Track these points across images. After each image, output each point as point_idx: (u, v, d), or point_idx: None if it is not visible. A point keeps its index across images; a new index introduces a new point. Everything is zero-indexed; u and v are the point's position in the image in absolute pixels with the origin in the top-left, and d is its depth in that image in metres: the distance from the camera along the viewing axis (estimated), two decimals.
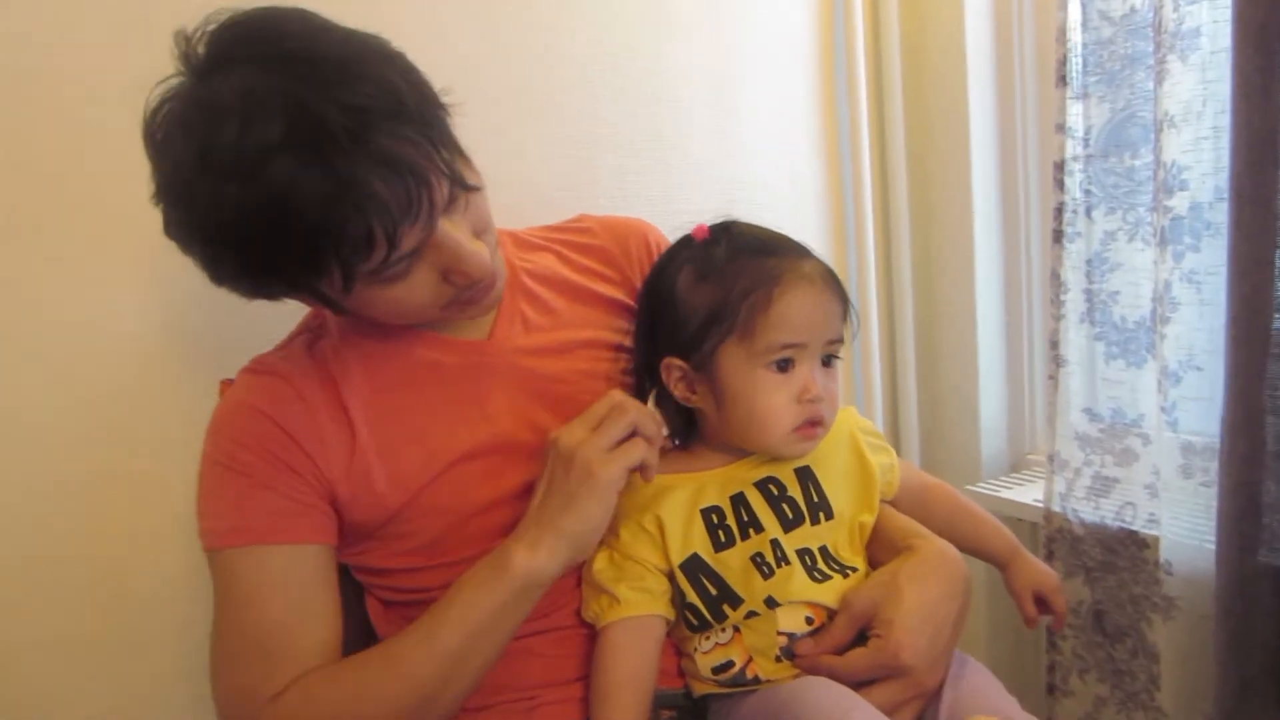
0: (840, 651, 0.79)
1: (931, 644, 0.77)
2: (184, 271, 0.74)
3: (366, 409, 0.81)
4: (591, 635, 0.82)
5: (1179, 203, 1.15)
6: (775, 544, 0.81)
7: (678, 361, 0.83)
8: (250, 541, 0.77)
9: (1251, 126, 1.00)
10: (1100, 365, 1.32)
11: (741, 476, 0.84)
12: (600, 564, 0.82)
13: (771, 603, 0.79)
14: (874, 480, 0.86)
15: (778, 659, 0.79)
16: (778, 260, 0.81)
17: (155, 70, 0.70)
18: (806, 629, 0.80)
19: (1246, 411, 1.05)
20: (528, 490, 0.80)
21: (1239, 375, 1.05)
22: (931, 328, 1.62)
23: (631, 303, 0.93)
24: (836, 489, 0.85)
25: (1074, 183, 1.29)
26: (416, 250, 0.71)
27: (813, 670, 0.78)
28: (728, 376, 0.81)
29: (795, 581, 0.80)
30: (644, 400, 0.87)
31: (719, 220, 0.86)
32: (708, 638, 0.82)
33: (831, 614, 0.80)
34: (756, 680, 0.80)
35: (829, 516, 0.83)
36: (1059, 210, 1.30)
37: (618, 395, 0.79)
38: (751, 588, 0.80)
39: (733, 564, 0.81)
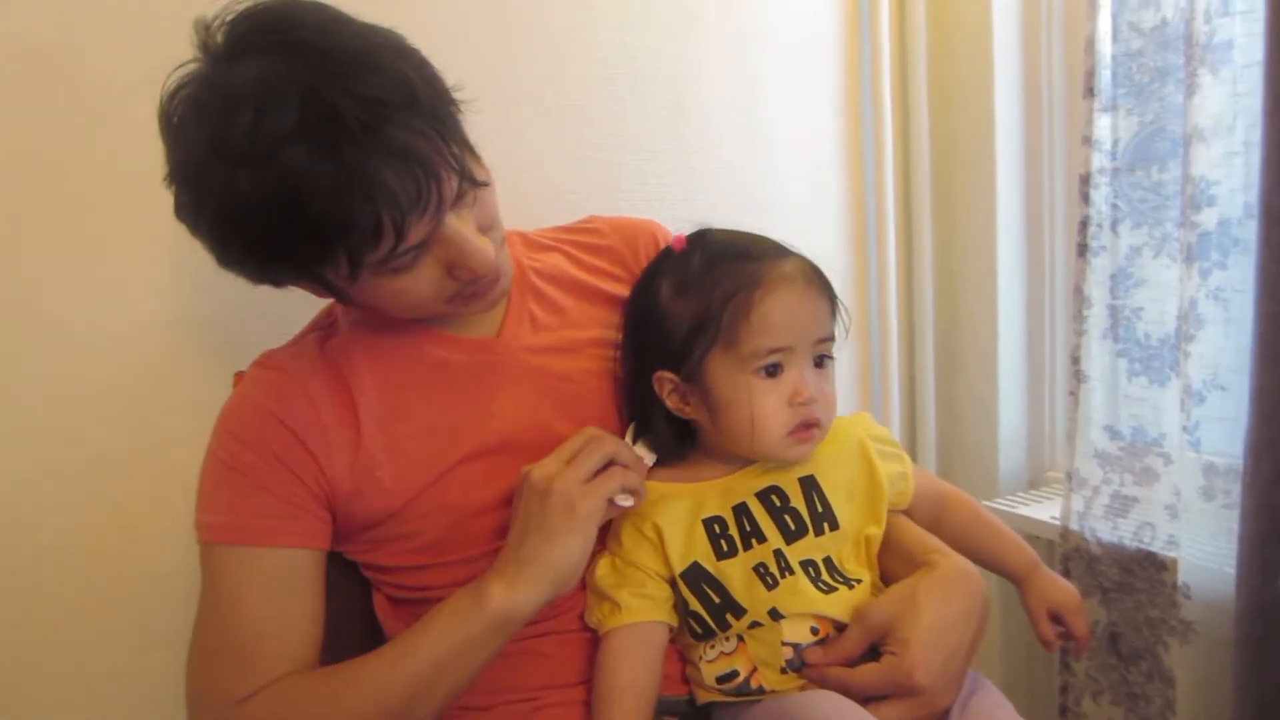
0: (850, 664, 0.78)
1: (946, 665, 0.76)
2: (199, 262, 0.75)
3: (374, 406, 0.82)
4: (596, 639, 0.82)
5: (1207, 218, 1.13)
6: (778, 554, 0.80)
7: (669, 374, 0.82)
8: (241, 541, 0.78)
9: None
10: (1123, 382, 1.30)
11: (743, 486, 0.83)
12: (602, 570, 0.82)
13: (776, 614, 0.78)
14: (882, 491, 0.85)
15: (783, 670, 0.78)
16: (756, 264, 0.80)
17: (176, 60, 0.71)
18: (812, 640, 0.79)
19: (1271, 433, 1.04)
20: None
21: (1265, 396, 1.04)
22: (952, 339, 1.60)
23: None
24: (841, 499, 0.83)
25: (1100, 196, 1.27)
26: (423, 243, 0.72)
27: (821, 681, 0.77)
28: (717, 385, 0.80)
29: (801, 593, 0.79)
30: (628, 421, 0.87)
31: (695, 229, 0.86)
32: (712, 646, 0.81)
33: (838, 626, 0.79)
34: (761, 690, 0.79)
35: (833, 527, 0.82)
36: (1084, 224, 1.28)
37: (592, 429, 0.79)
38: (755, 598, 0.79)
39: (735, 574, 0.80)
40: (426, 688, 0.75)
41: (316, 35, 0.68)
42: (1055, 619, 0.87)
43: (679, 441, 0.86)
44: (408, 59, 0.71)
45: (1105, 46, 1.25)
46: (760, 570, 0.80)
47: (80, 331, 0.96)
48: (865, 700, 0.74)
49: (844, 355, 1.52)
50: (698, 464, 0.86)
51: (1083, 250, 1.29)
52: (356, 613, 0.89)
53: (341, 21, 0.71)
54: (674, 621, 0.82)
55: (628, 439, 0.85)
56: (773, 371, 0.79)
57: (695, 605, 0.80)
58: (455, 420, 0.83)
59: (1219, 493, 1.17)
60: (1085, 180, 1.27)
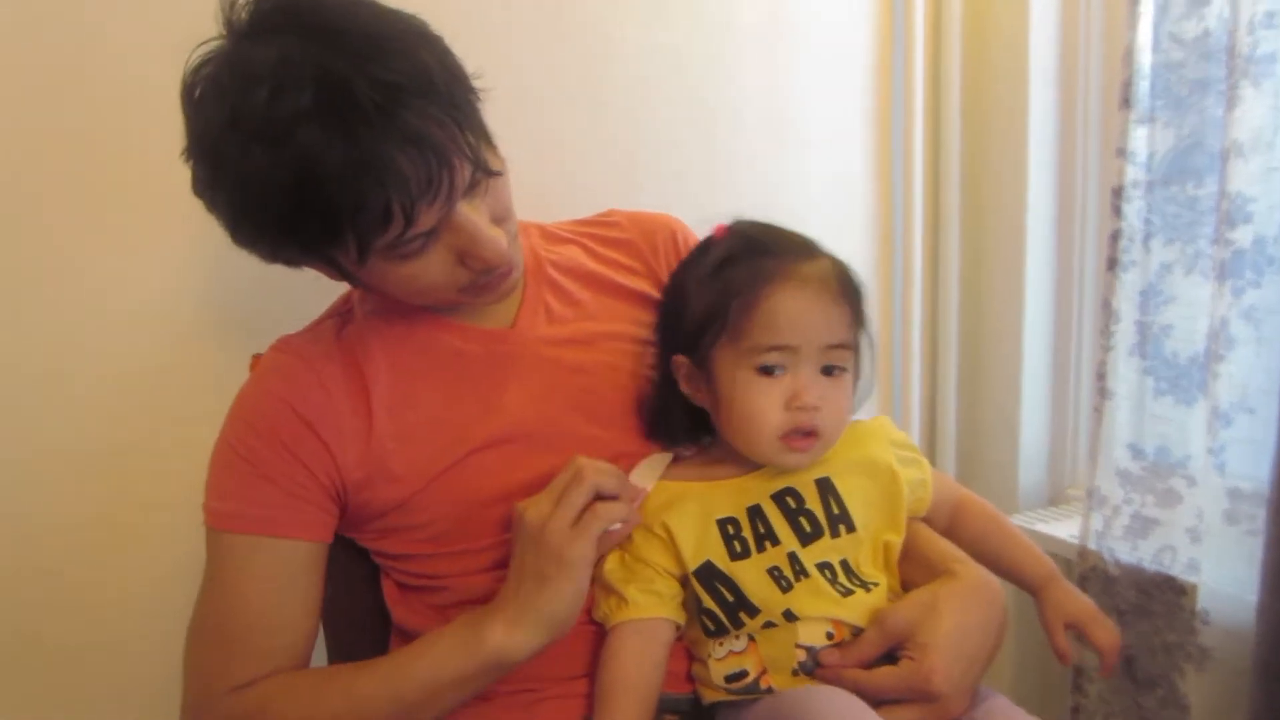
0: (866, 666, 0.77)
1: (964, 673, 0.76)
2: (219, 245, 0.75)
3: (388, 394, 0.82)
4: (601, 633, 0.82)
5: (1242, 235, 1.11)
6: (793, 557, 0.79)
7: (684, 359, 0.83)
8: (244, 529, 0.78)
9: None
10: (1148, 401, 1.28)
11: (757, 488, 0.82)
12: (611, 564, 0.82)
13: (791, 616, 0.78)
14: (901, 498, 0.84)
15: (795, 673, 0.77)
16: (775, 260, 0.79)
17: (202, 36, 0.71)
18: (827, 643, 0.78)
19: None
20: (544, 482, 0.79)
21: None
22: (976, 350, 1.58)
23: (657, 296, 0.93)
24: (858, 502, 0.82)
25: (1133, 210, 1.25)
26: (434, 230, 0.72)
27: (836, 681, 0.76)
28: (720, 376, 0.80)
29: (818, 596, 0.78)
30: (656, 401, 0.87)
31: (737, 220, 0.85)
32: (721, 644, 0.80)
33: (855, 630, 0.78)
34: (770, 691, 0.78)
35: (850, 529, 0.81)
36: (1115, 237, 1.26)
37: (579, 461, 0.77)
38: (770, 600, 0.78)
39: (749, 576, 0.79)
40: (412, 712, 0.76)
41: (338, 17, 0.68)
42: (1073, 631, 0.85)
43: (697, 431, 0.86)
44: (428, 45, 0.72)
45: (1144, 57, 1.22)
46: (774, 573, 0.79)
47: (111, 311, 0.98)
48: (878, 704, 0.73)
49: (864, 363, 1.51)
50: (714, 461, 0.85)
51: (1113, 264, 1.27)
52: (365, 597, 0.89)
53: (365, 5, 0.71)
54: (681, 619, 0.81)
55: (642, 463, 0.84)
56: (771, 370, 0.78)
57: (709, 603, 0.79)
58: (467, 410, 0.83)
59: (1243, 518, 1.15)
60: (1118, 193, 1.25)
